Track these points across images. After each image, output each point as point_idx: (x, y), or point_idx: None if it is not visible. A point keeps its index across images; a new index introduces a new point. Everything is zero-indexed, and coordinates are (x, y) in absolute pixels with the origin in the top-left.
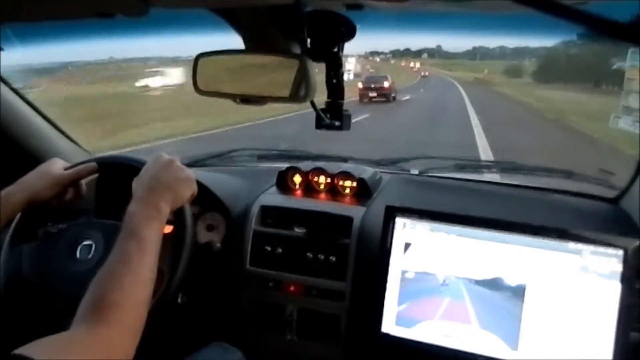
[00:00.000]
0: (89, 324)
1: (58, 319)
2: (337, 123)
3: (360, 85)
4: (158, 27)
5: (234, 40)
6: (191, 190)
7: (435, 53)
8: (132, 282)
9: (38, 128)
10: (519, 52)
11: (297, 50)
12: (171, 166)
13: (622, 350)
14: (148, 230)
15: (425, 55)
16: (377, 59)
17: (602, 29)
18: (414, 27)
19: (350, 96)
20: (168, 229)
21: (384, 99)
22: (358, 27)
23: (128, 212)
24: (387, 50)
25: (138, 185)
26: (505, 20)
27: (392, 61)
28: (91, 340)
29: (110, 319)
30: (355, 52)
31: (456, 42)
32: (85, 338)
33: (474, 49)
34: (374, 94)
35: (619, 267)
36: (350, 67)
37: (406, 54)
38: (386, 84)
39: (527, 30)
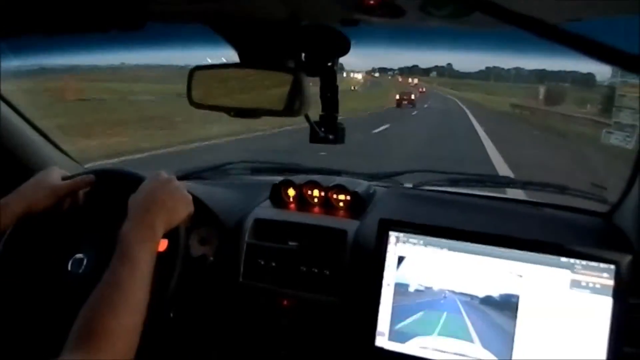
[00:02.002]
0: (79, 352)
1: (48, 334)
2: (331, 137)
3: (397, 96)
4: (153, 41)
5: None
6: (187, 210)
7: (445, 72)
8: (125, 309)
9: (29, 138)
10: (538, 75)
11: (291, 64)
12: (169, 186)
13: None
14: (142, 253)
15: (434, 73)
16: (377, 74)
17: (604, 57)
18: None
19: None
20: (162, 245)
21: (411, 105)
22: (360, 42)
23: (122, 233)
24: (395, 67)
25: (134, 203)
26: (520, 40)
27: (389, 77)
28: None
29: (102, 347)
30: (363, 67)
31: (468, 60)
32: None
33: (488, 69)
34: (406, 102)
35: (610, 282)
36: (359, 79)
37: (414, 71)
38: (412, 97)
39: (545, 51)
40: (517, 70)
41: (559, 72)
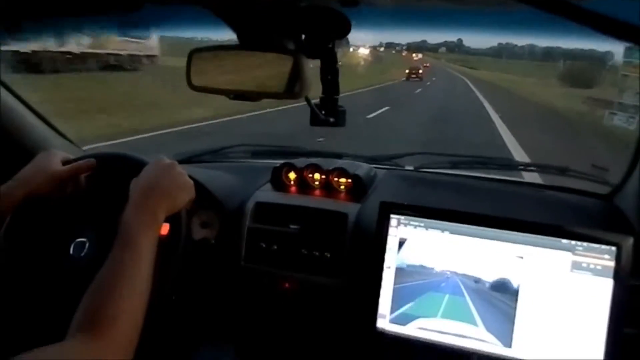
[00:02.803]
0: (82, 338)
1: (50, 318)
2: (331, 119)
3: (407, 71)
4: (152, 23)
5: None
6: (189, 196)
7: (455, 47)
8: (127, 294)
9: (28, 122)
10: (551, 53)
11: (291, 46)
12: (171, 171)
13: (614, 346)
14: (144, 239)
15: (443, 49)
16: (382, 49)
17: (609, 29)
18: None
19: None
20: (164, 229)
21: (418, 79)
22: (361, 23)
23: (124, 219)
24: (403, 42)
25: (136, 188)
26: (530, 19)
27: (393, 52)
28: (84, 355)
29: (105, 333)
30: (369, 42)
31: (479, 37)
32: (78, 352)
33: (500, 45)
34: (414, 76)
35: (611, 264)
36: (366, 54)
37: (422, 46)
38: (420, 72)
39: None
40: (531, 47)
41: (579, 49)
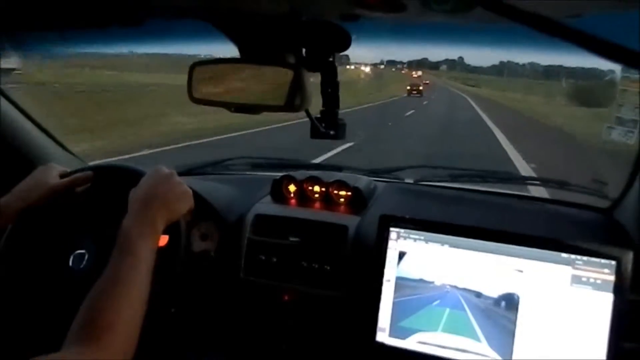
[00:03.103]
0: (80, 346)
1: (50, 329)
2: (332, 132)
3: (408, 87)
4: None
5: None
6: (188, 205)
7: (456, 65)
8: (126, 303)
9: (30, 134)
10: (552, 71)
11: (292, 59)
12: (170, 181)
13: None
14: (143, 247)
15: (444, 67)
16: (382, 67)
17: (607, 53)
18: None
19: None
20: (163, 240)
21: (419, 95)
22: (361, 37)
23: (123, 228)
24: (404, 60)
25: (135, 198)
26: (527, 35)
27: (393, 70)
28: None
29: (102, 341)
30: (371, 59)
31: (480, 54)
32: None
33: (501, 63)
34: (415, 92)
35: (611, 278)
36: (366, 71)
37: (423, 63)
38: (420, 87)
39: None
40: (532, 65)
41: (581, 68)
